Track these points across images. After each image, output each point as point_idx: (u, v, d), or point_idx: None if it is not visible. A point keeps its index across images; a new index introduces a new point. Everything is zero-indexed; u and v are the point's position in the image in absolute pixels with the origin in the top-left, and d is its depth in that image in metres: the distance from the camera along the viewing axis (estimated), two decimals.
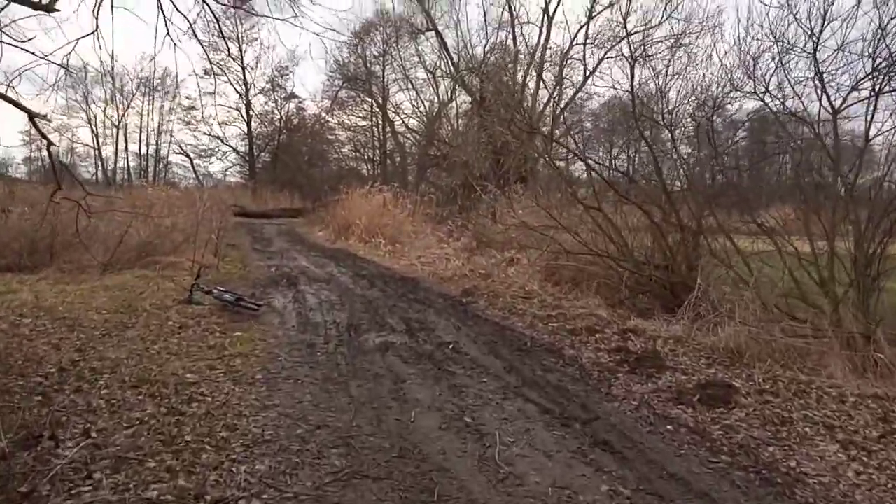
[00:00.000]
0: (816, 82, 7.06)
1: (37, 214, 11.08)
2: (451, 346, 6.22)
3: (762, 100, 7.95)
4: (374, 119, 32.89)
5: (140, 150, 39.74)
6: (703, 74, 8.56)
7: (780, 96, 7.42)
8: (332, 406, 4.27)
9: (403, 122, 29.74)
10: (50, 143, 5.07)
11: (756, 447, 3.85)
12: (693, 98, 8.14)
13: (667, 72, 8.37)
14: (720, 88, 8.26)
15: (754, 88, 7.93)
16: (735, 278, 7.94)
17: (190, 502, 2.71)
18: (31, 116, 4.47)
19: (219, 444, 3.44)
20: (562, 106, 18.43)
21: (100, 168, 38.63)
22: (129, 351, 5.49)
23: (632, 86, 8.97)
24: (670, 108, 8.15)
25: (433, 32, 23.83)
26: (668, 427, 4.13)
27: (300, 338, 6.47)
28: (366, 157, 35.08)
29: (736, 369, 5.57)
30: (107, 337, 6.07)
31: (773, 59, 7.57)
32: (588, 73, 19.59)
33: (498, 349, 6.23)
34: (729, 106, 9.00)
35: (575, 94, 18.92)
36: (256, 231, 23.33)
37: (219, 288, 8.30)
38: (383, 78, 30.59)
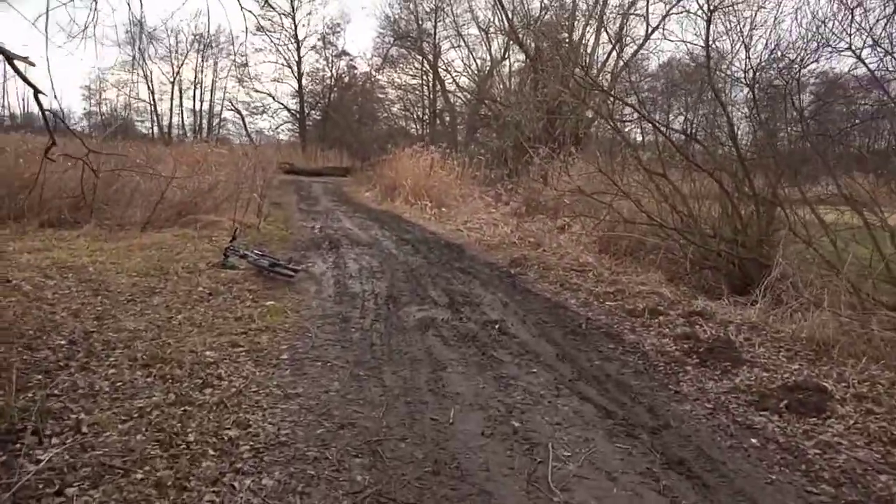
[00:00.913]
0: None
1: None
2: (497, 326, 5.64)
3: (858, 57, 6.99)
4: (424, 78, 32.03)
5: (195, 106, 39.90)
6: (789, 29, 7.55)
7: (886, 49, 6.46)
8: (360, 398, 3.76)
9: (454, 80, 28.85)
10: (37, 91, 4.59)
11: (864, 474, 3.17)
12: (778, 54, 7.19)
13: (750, 24, 7.41)
14: (806, 43, 7.32)
15: (850, 44, 6.99)
16: (816, 257, 7.13)
17: None
18: (9, 59, 3.99)
19: (224, 447, 2.95)
20: (622, 63, 17.25)
21: (155, 123, 38.96)
22: (149, 321, 5.10)
23: (706, 40, 8.05)
24: (752, 64, 7.21)
25: None
26: (753, 441, 3.48)
27: (335, 310, 5.99)
28: (415, 116, 34.38)
29: (823, 366, 4.84)
30: (131, 303, 5.71)
31: (880, 7, 6.63)
32: (651, 30, 18.30)
33: (549, 331, 5.63)
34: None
35: (637, 50, 17.63)
36: (304, 189, 23.11)
37: (256, 251, 7.90)
38: (435, 35, 29.67)
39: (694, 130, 9.03)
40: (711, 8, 7.93)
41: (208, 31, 36.52)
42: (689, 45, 8.44)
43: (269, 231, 11.18)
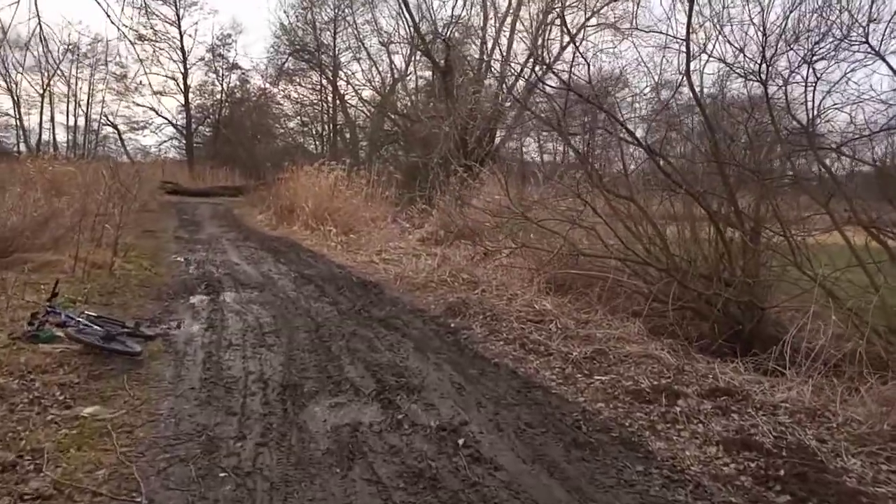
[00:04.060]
0: None
1: None
2: (461, 441, 3.58)
3: (877, 53, 5.58)
4: (323, 92, 29.62)
5: (68, 121, 35.29)
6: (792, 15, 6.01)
7: None
8: None
9: (357, 92, 26.64)
10: None
11: None
12: (794, 42, 5.62)
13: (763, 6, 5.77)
14: (821, 36, 5.84)
15: (866, 38, 5.57)
16: (825, 296, 5.66)
17: None
18: None
19: None
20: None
21: (21, 140, 34.07)
22: None
23: (687, 28, 6.44)
24: (766, 55, 5.59)
25: None
26: None
27: (196, 422, 3.71)
28: (314, 132, 31.89)
29: None
30: None
31: None
32: (566, 43, 16.86)
33: (541, 445, 3.61)
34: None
35: (557, 56, 16.14)
36: (187, 212, 20.27)
37: (87, 313, 5.45)
38: (334, 47, 27.36)
39: (660, 145, 7.36)
40: None
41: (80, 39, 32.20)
42: (660, 35, 6.66)
43: (128, 272, 8.62)
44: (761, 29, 5.54)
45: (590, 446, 3.62)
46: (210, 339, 5.59)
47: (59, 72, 32.27)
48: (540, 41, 11.71)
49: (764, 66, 5.57)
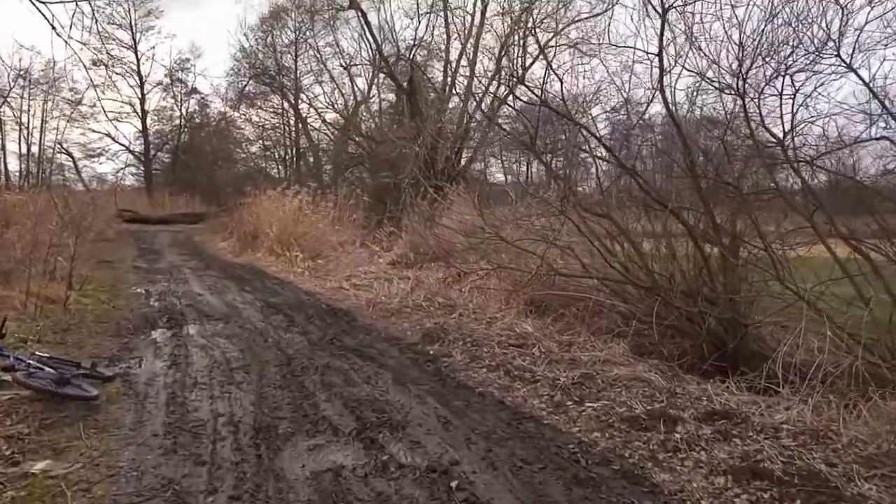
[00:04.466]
0: None
1: None
2: (454, 483, 3.30)
3: (849, 66, 5.56)
4: (285, 116, 29.23)
5: (20, 149, 33.93)
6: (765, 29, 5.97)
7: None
8: None
9: (319, 114, 26.32)
10: None
11: None
12: (769, 55, 5.56)
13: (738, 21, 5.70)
14: (794, 48, 5.81)
15: (837, 50, 5.55)
16: (811, 313, 5.52)
17: None
18: None
19: None
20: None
21: None
22: None
23: (661, 41, 6.36)
24: (742, 68, 5.50)
25: (353, 13, 20.58)
26: None
27: (161, 475, 3.35)
28: (276, 156, 31.41)
29: None
30: None
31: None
32: (536, 57, 16.91)
33: (541, 484, 3.36)
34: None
35: (523, 72, 16.11)
36: (146, 241, 19.64)
37: (38, 354, 5.03)
38: (296, 70, 27.08)
39: (634, 162, 7.26)
40: (666, 4, 6.22)
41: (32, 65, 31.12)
42: (631, 51, 6.63)
43: (84, 307, 8.13)
44: (737, 42, 5.44)
45: (592, 482, 3.38)
46: (174, 378, 5.20)
47: (8, 101, 31.16)
48: (508, 59, 11.62)
49: (740, 79, 5.46)
